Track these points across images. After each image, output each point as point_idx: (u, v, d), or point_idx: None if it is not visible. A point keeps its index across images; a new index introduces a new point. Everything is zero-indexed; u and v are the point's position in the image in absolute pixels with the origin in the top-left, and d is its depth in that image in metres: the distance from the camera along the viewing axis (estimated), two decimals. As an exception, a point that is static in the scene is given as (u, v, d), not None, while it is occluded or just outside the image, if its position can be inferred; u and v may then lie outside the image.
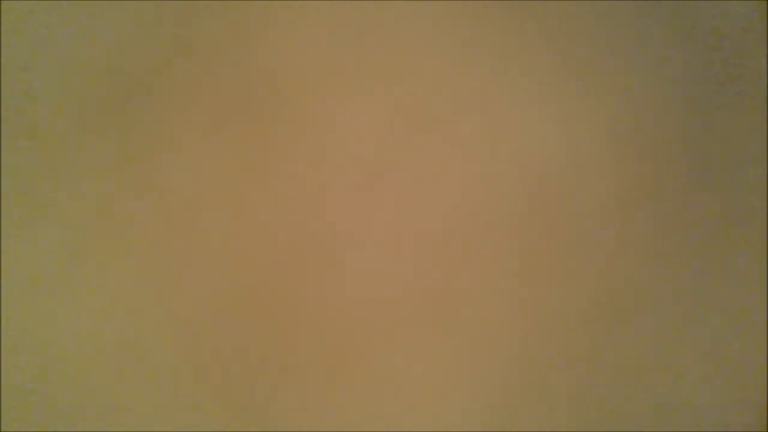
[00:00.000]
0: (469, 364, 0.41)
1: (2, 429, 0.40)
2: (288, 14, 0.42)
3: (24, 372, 0.40)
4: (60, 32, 0.41)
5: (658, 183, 0.42)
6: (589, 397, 0.41)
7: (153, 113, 0.41)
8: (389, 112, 0.41)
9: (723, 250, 0.42)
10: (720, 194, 0.42)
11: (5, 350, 0.40)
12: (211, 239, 0.40)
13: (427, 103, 0.41)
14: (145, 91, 0.41)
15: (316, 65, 0.41)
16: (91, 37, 0.41)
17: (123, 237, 0.40)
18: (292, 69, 0.41)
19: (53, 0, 0.41)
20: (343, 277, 0.41)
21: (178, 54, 0.41)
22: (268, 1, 0.42)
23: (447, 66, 0.42)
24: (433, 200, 0.41)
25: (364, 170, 0.41)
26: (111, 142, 0.41)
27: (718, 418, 0.41)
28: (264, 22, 0.41)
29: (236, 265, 0.40)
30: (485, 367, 0.41)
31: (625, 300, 0.41)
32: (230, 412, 0.40)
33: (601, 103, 0.42)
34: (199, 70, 0.41)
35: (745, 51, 0.42)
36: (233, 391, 0.40)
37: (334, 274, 0.41)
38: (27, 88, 0.41)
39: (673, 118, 0.42)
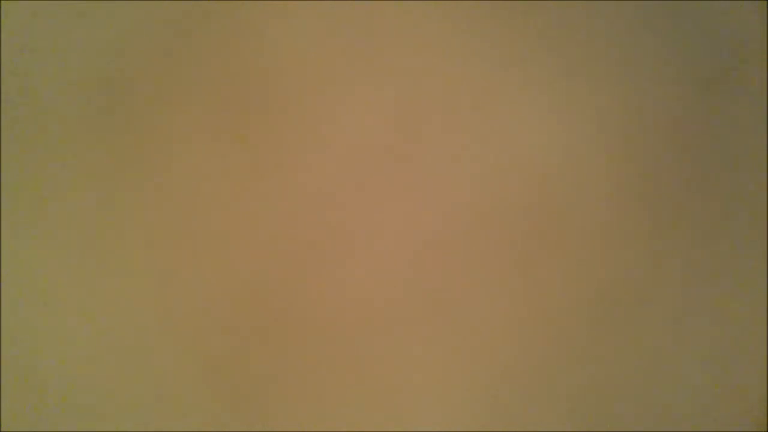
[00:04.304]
0: (469, 364, 0.41)
1: (2, 429, 0.40)
2: (287, 14, 0.42)
3: (24, 372, 0.40)
4: (60, 32, 0.41)
5: (657, 183, 0.42)
6: (589, 397, 0.41)
7: (153, 113, 0.41)
8: (389, 112, 0.41)
9: (722, 250, 0.42)
10: (719, 194, 0.42)
11: (5, 350, 0.40)
12: (212, 239, 0.40)
13: (426, 103, 0.41)
14: (145, 91, 0.41)
15: (316, 66, 0.41)
16: (91, 38, 0.41)
17: (123, 237, 0.40)
18: (292, 69, 0.41)
19: (53, 0, 0.41)
20: (343, 277, 0.41)
21: (178, 54, 0.41)
22: (267, 1, 0.42)
23: (445, 67, 0.42)
24: (432, 201, 0.41)
25: (364, 170, 0.41)
26: (111, 142, 0.41)
27: (718, 419, 0.41)
28: (263, 22, 0.41)
29: (237, 265, 0.40)
30: (485, 367, 0.41)
31: (625, 300, 0.41)
32: (230, 412, 0.40)
33: (600, 103, 0.42)
34: (199, 71, 0.41)
35: (745, 51, 0.42)
36: (233, 391, 0.40)
37: (334, 274, 0.41)
38: (27, 89, 0.41)
39: (672, 118, 0.42)
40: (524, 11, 0.42)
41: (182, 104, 0.41)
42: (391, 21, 0.42)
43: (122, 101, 0.41)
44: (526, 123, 0.42)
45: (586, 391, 0.41)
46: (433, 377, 0.40)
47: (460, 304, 0.41)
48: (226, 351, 0.40)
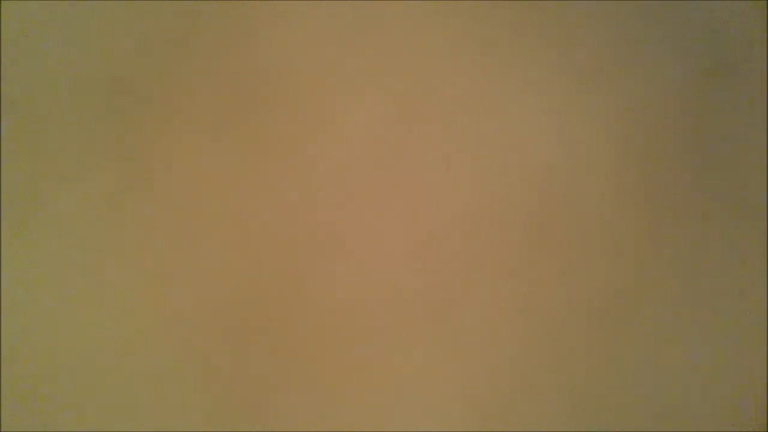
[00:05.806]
0: (469, 365, 0.41)
1: (2, 429, 0.40)
2: (287, 14, 0.42)
3: (24, 372, 0.40)
4: (60, 32, 0.41)
5: (657, 182, 0.42)
6: (589, 397, 0.41)
7: (153, 113, 0.41)
8: (389, 112, 0.41)
9: (723, 250, 0.42)
10: (720, 193, 0.42)
11: (5, 350, 0.40)
12: (211, 239, 0.40)
13: (426, 104, 0.41)
14: (144, 92, 0.41)
15: (315, 65, 0.41)
16: (91, 38, 0.41)
17: (122, 237, 0.40)
18: (292, 69, 0.41)
19: (54, 0, 0.41)
20: (342, 278, 0.41)
21: (178, 55, 0.41)
22: (266, 1, 0.42)
23: (446, 67, 0.42)
24: (432, 201, 0.41)
25: (364, 170, 0.41)
26: (111, 142, 0.41)
27: (718, 419, 0.41)
28: (263, 22, 0.42)
29: (236, 265, 0.40)
30: (485, 368, 0.41)
31: (625, 300, 0.41)
32: (229, 412, 0.40)
33: (601, 103, 0.42)
34: (198, 71, 0.41)
35: (745, 51, 0.42)
36: (232, 392, 0.40)
37: (333, 274, 0.41)
38: (27, 89, 0.41)
39: (672, 118, 0.42)
40: (524, 11, 0.42)
41: (182, 104, 0.41)
42: (391, 21, 0.42)
43: (122, 101, 0.41)
44: (526, 123, 0.42)
45: (586, 390, 0.41)
46: (433, 377, 0.40)
47: (460, 304, 0.41)
48: (224, 351, 0.40)
